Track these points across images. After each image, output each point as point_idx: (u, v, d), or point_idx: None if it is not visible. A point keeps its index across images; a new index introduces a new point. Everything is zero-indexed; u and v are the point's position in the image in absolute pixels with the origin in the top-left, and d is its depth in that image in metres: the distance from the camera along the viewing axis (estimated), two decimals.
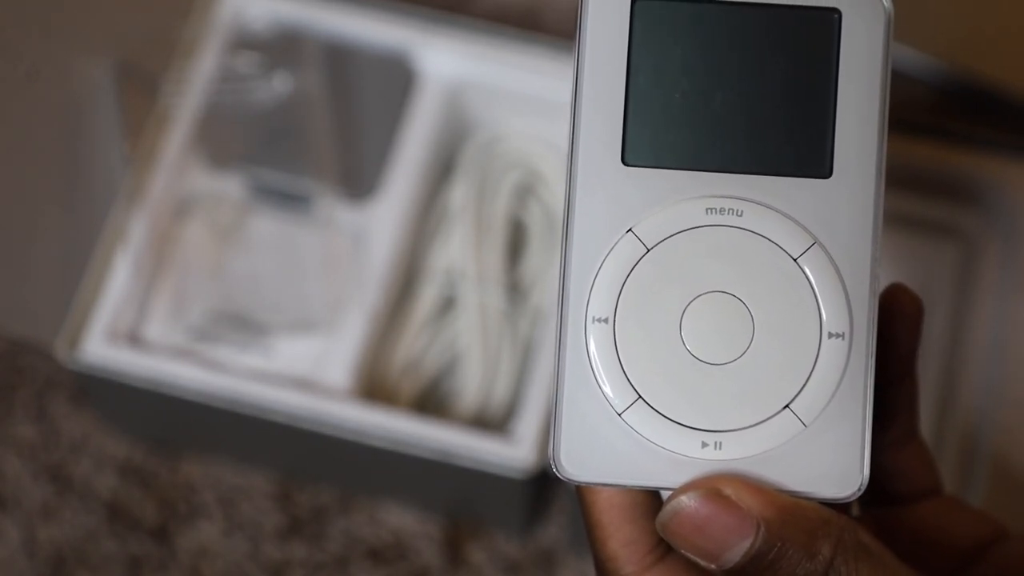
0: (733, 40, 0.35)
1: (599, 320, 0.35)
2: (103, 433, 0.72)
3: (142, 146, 0.69)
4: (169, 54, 0.71)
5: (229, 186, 0.70)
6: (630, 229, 0.35)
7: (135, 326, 0.68)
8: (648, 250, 0.35)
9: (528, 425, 0.64)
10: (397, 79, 0.71)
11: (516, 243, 0.72)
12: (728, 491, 0.34)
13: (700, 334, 0.35)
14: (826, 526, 0.34)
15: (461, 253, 0.70)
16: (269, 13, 0.72)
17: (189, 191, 0.70)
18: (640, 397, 0.35)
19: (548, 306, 0.69)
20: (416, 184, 0.70)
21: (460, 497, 0.69)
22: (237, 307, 0.68)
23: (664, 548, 0.37)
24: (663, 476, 0.35)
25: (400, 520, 0.71)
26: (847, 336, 0.35)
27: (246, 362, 0.67)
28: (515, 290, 0.71)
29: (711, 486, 0.34)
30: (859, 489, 0.35)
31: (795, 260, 0.35)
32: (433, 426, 0.65)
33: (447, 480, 0.66)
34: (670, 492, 0.35)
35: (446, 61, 0.71)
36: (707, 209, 0.35)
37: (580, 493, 0.37)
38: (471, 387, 0.68)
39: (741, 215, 0.35)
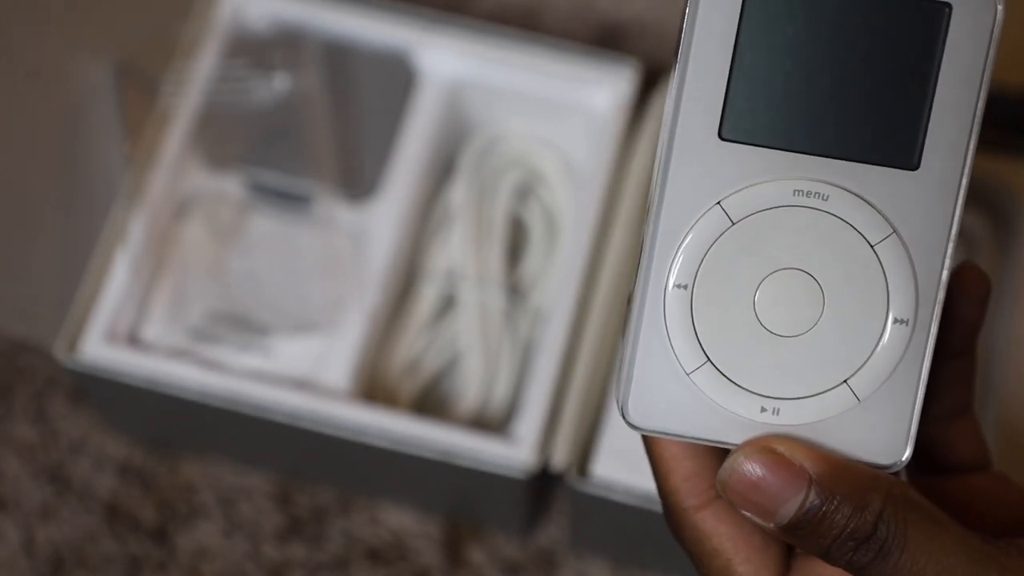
0: (842, 26, 0.36)
1: (679, 286, 0.37)
2: (102, 433, 0.72)
3: (142, 146, 0.69)
4: (169, 54, 0.71)
5: (229, 186, 0.70)
6: (719, 202, 0.37)
7: (134, 326, 0.68)
8: (733, 224, 0.37)
9: (528, 425, 0.64)
10: (397, 79, 0.71)
11: (516, 243, 0.72)
12: (781, 448, 0.36)
13: (772, 307, 0.37)
14: (876, 481, 0.36)
15: (461, 253, 0.70)
16: (269, 13, 0.72)
17: (189, 191, 0.70)
18: (709, 360, 0.37)
19: (548, 306, 0.69)
20: (416, 184, 0.70)
21: (460, 497, 0.69)
22: (237, 307, 0.68)
23: None
24: (722, 434, 0.37)
25: (400, 520, 0.71)
26: (911, 323, 0.37)
27: (246, 362, 0.67)
28: (515, 290, 0.71)
29: (765, 444, 0.36)
30: (901, 462, 0.37)
31: (872, 247, 0.37)
32: (433, 426, 0.64)
33: (447, 480, 0.66)
34: (727, 449, 0.37)
35: (446, 61, 0.71)
36: (795, 191, 0.37)
37: None
38: (471, 387, 0.68)
39: (827, 199, 0.37)
